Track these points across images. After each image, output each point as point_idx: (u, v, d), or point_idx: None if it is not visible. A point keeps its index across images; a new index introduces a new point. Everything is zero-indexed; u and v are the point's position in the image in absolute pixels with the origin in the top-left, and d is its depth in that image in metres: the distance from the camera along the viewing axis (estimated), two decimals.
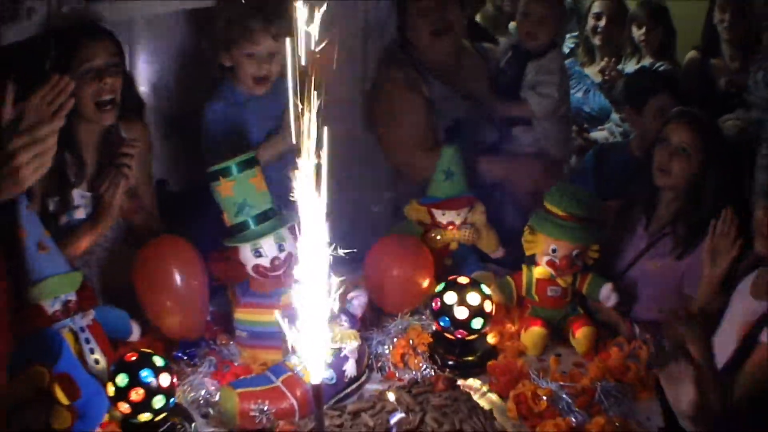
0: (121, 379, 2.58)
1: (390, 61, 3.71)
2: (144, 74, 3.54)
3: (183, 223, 3.44)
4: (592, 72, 4.86)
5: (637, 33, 4.57)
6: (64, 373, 2.24)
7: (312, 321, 2.41)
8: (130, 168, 3.04)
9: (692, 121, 3.20)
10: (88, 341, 2.79)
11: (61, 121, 2.32)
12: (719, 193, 3.17)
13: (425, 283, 3.25)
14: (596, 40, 4.74)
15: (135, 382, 2.56)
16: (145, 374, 2.57)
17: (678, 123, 3.21)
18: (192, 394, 2.87)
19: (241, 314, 3.09)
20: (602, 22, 4.65)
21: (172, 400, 2.64)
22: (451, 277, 3.07)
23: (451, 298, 2.98)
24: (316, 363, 2.44)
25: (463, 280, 3.05)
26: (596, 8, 4.74)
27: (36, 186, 2.87)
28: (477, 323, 2.97)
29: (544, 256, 3.15)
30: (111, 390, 2.57)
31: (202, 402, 2.85)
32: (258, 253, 2.98)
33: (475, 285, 3.02)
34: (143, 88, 3.52)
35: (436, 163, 3.45)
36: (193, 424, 2.73)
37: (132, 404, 2.56)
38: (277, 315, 2.52)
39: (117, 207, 3.05)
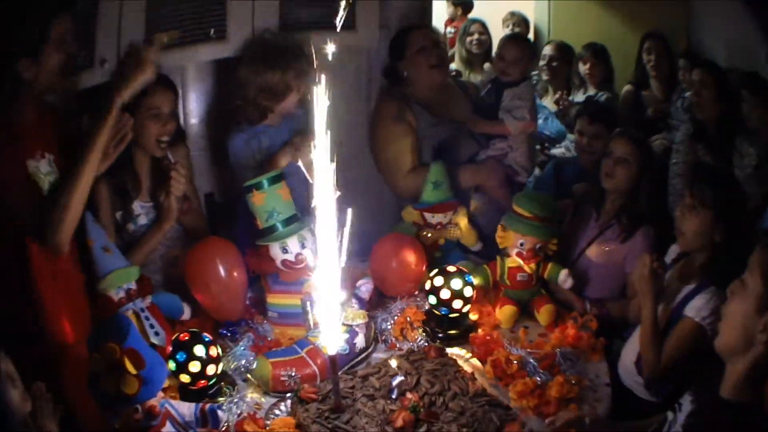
0: (179, 357, 2.80)
1: (382, 96, 3.87)
2: (194, 109, 3.67)
3: (225, 227, 3.64)
4: (548, 103, 5.01)
5: (583, 68, 4.69)
6: (132, 348, 2.40)
7: (327, 306, 2.66)
8: (180, 183, 3.22)
9: (631, 137, 3.44)
10: (148, 319, 2.99)
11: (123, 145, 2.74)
12: (651, 192, 3.42)
13: (419, 272, 3.46)
14: (544, 76, 4.89)
15: (191, 357, 2.79)
16: (198, 349, 2.80)
17: (621, 138, 3.44)
18: (234, 364, 3.08)
19: (272, 299, 3.31)
20: (553, 63, 4.80)
21: (220, 366, 2.85)
22: (441, 268, 3.29)
23: (438, 281, 3.21)
24: (331, 339, 2.69)
25: (451, 269, 3.27)
26: (546, 50, 4.90)
27: (102, 203, 3.15)
28: (458, 304, 3.21)
29: (514, 249, 3.39)
30: (172, 365, 2.79)
31: (243, 369, 3.05)
32: (285, 250, 3.19)
33: (460, 273, 3.24)
34: (194, 120, 3.68)
35: (423, 179, 3.64)
36: (235, 387, 2.92)
37: (192, 375, 2.80)
38: (301, 300, 2.77)
39: (174, 210, 3.21)
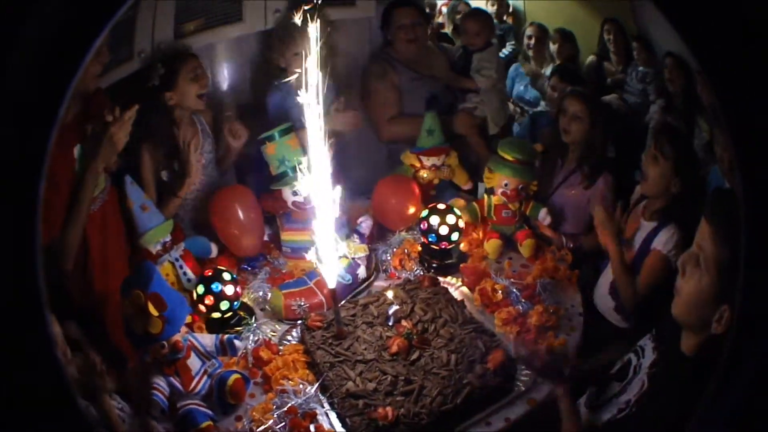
0: (200, 289, 2.51)
1: (371, 58, 3.48)
2: (225, 77, 3.30)
3: (248, 174, 3.26)
4: (528, 73, 4.57)
5: (553, 47, 4.33)
6: (155, 292, 2.14)
7: (327, 245, 2.31)
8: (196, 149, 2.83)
9: (581, 95, 2.94)
10: (181, 267, 2.68)
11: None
12: (604, 142, 2.95)
13: (414, 208, 3.00)
14: (530, 53, 4.51)
15: (208, 290, 2.49)
16: (215, 285, 2.49)
17: (572, 97, 2.93)
18: (253, 295, 2.74)
19: (285, 236, 2.92)
20: (532, 41, 4.41)
21: (235, 303, 2.52)
22: (432, 204, 2.86)
23: (435, 220, 2.78)
24: (331, 274, 2.36)
25: (441, 206, 2.84)
26: (528, 32, 4.49)
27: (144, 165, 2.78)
28: (455, 236, 2.79)
29: (499, 189, 2.92)
30: (194, 295, 2.50)
31: (261, 300, 2.72)
32: (295, 193, 2.78)
33: (450, 210, 2.81)
34: (225, 86, 3.32)
35: (402, 127, 3.32)
36: (253, 317, 2.61)
37: (207, 306, 2.49)
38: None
39: (196, 164, 2.80)
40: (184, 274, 2.66)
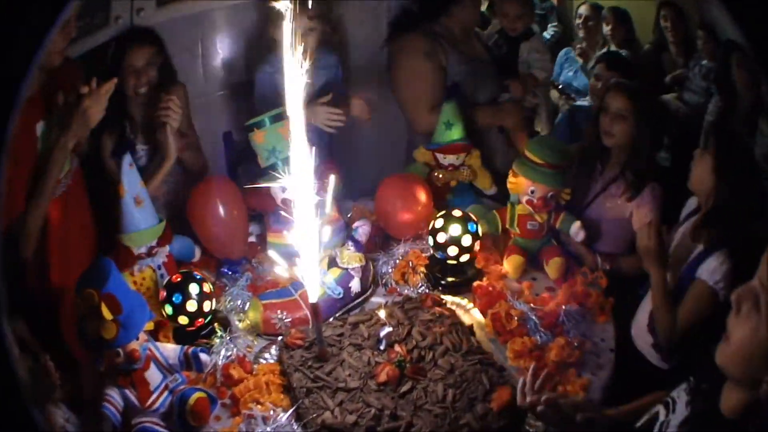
0: (161, 294, 2.29)
1: (409, 30, 3.05)
2: (218, 51, 3.09)
3: (241, 164, 2.95)
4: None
5: (606, 29, 4.00)
6: (109, 293, 1.94)
7: (308, 255, 2.04)
8: (169, 116, 2.60)
9: (626, 89, 2.58)
10: (162, 276, 2.45)
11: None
12: (655, 146, 2.63)
13: (422, 215, 2.68)
14: (581, 33, 4.17)
15: (168, 300, 2.27)
16: (176, 296, 2.25)
17: (615, 91, 2.59)
18: (231, 303, 2.46)
19: (272, 238, 2.65)
20: (585, 22, 4.09)
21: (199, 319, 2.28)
22: (444, 211, 2.52)
23: (438, 223, 2.47)
24: (313, 286, 2.06)
25: (456, 212, 2.50)
26: (581, 10, 4.17)
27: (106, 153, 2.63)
28: (453, 251, 2.45)
29: (525, 196, 2.57)
30: (168, 309, 2.27)
31: (239, 309, 2.45)
32: (284, 189, 2.45)
33: (463, 219, 2.47)
34: (217, 63, 3.10)
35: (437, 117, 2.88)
36: (228, 329, 2.33)
37: (167, 316, 2.27)
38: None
39: (171, 145, 2.60)
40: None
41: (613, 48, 4.05)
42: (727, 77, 2.95)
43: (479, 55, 3.14)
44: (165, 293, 2.25)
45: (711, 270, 2.12)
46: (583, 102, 3.60)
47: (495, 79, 3.17)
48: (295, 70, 1.90)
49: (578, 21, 4.15)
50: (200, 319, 2.27)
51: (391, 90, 3.08)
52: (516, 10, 3.25)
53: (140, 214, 2.35)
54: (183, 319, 2.23)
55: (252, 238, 2.75)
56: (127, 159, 2.31)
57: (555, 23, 4.49)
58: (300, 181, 1.97)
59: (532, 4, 3.54)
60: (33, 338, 1.89)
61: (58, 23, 1.75)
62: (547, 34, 4.10)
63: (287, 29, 1.88)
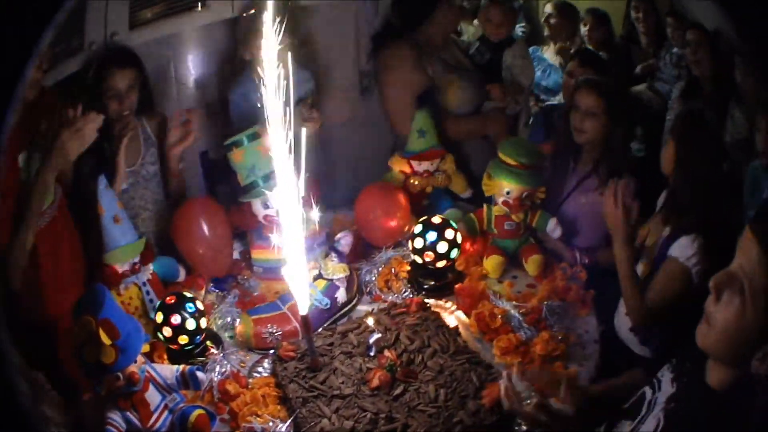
0: (159, 317, 2.31)
1: (393, 42, 3.14)
2: (190, 71, 3.09)
3: (219, 183, 3.04)
4: (549, 56, 4.28)
5: (584, 29, 4.07)
6: (106, 318, 1.98)
7: (296, 268, 2.08)
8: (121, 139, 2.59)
9: (595, 86, 2.65)
10: (148, 293, 2.50)
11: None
12: (626, 141, 2.72)
13: (401, 222, 2.76)
14: (546, 31, 4.24)
15: (166, 322, 2.29)
16: (174, 318, 2.28)
17: (584, 89, 2.66)
18: (220, 321, 2.51)
19: (256, 254, 2.72)
20: (552, 19, 4.14)
21: (197, 338, 2.30)
22: (424, 218, 2.59)
23: (417, 228, 2.55)
24: (303, 299, 2.13)
25: (436, 219, 2.57)
26: (546, 8, 4.24)
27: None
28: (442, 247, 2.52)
29: (501, 197, 2.65)
30: (168, 330, 2.30)
31: (229, 326, 2.49)
32: (266, 206, 2.58)
33: (440, 226, 2.55)
34: (188, 81, 3.09)
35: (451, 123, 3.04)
36: (220, 347, 2.39)
37: (165, 337, 2.30)
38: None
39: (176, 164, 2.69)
40: (151, 301, 2.47)
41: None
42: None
43: (461, 62, 3.22)
44: (162, 316, 2.27)
45: (683, 247, 2.17)
46: (554, 101, 3.68)
47: (479, 86, 3.23)
48: (273, 87, 1.94)
49: (543, 18, 4.21)
50: (201, 335, 2.31)
51: (379, 102, 3.14)
52: (500, 17, 3.28)
53: (119, 231, 2.41)
54: (183, 339, 2.27)
55: (236, 255, 2.78)
56: (102, 181, 2.35)
57: (522, 23, 4.55)
58: (285, 195, 2.02)
59: (516, 12, 3.57)
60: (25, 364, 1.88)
61: (36, 54, 1.80)
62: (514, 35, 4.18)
63: (264, 46, 1.92)
